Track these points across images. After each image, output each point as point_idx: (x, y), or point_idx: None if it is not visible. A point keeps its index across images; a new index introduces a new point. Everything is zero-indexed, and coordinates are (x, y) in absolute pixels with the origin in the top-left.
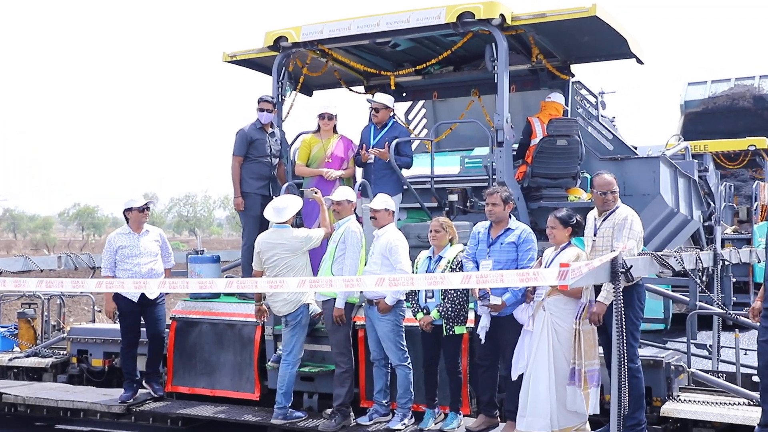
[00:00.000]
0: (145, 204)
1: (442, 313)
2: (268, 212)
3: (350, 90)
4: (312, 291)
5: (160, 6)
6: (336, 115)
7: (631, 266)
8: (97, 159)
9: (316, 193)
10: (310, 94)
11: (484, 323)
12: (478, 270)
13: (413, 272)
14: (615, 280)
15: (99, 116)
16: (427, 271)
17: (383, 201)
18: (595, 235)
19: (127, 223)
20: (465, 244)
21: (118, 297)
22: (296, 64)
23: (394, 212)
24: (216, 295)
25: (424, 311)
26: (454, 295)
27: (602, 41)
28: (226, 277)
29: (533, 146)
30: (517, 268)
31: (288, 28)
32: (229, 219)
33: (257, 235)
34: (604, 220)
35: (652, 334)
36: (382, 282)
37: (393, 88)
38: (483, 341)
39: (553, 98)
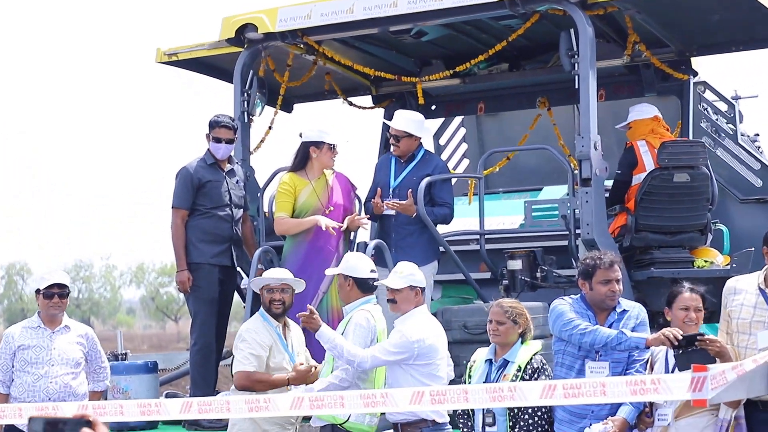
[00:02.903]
0: (56, 284)
1: None
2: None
3: (351, 104)
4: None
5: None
6: None
7: None
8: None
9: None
10: (289, 110)
11: None
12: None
13: (466, 382)
14: None
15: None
16: (486, 382)
17: (406, 275)
18: None
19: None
20: (542, 338)
21: (11, 430)
22: (267, 67)
23: (423, 290)
24: (152, 425)
25: None
26: (530, 421)
27: (741, 20)
28: (165, 394)
29: (636, 185)
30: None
31: (257, 11)
32: (145, 301)
33: (214, 328)
34: None
35: None
36: (420, 397)
37: (422, 102)
38: None
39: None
